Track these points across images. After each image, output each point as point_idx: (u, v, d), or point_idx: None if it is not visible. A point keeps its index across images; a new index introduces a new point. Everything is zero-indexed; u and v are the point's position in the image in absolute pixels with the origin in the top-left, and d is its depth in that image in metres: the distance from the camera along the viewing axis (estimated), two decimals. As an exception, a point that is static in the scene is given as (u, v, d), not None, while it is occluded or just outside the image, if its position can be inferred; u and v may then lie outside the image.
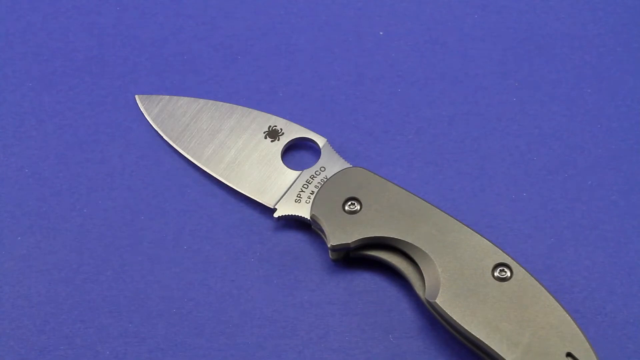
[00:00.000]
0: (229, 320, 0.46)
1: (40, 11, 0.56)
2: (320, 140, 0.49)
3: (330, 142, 0.50)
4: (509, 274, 0.43)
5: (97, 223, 0.49)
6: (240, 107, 0.51)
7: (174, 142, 0.50)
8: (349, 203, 0.46)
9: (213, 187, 0.50)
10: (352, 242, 0.45)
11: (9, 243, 0.49)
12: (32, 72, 0.54)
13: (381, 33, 0.55)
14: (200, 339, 0.46)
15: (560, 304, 0.42)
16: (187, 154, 0.50)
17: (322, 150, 0.49)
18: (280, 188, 0.48)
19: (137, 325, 0.46)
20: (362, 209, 0.46)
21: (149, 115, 0.51)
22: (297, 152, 0.51)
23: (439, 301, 0.43)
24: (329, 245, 0.46)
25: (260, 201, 0.48)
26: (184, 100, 0.51)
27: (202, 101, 0.51)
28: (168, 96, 0.52)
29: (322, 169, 0.48)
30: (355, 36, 0.55)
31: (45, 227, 0.49)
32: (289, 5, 0.56)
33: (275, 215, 0.48)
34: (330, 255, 0.47)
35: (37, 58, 0.55)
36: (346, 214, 0.46)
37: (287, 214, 0.47)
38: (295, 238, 0.48)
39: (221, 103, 0.51)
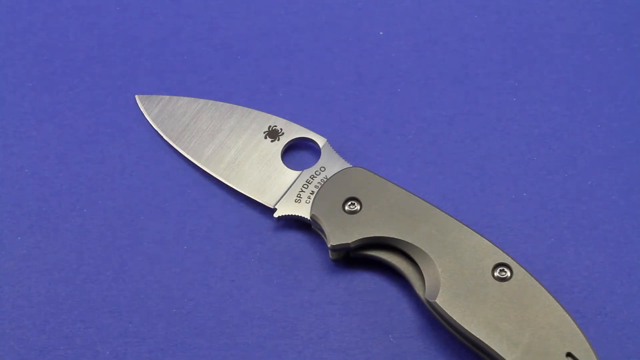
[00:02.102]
0: (229, 320, 0.46)
1: (40, 11, 0.56)
2: (320, 140, 0.49)
3: (330, 142, 0.50)
4: (509, 274, 0.43)
5: (97, 223, 0.49)
6: (240, 107, 0.51)
7: (174, 142, 0.50)
8: (349, 203, 0.46)
9: (213, 187, 0.50)
10: (352, 242, 0.45)
11: (9, 243, 0.49)
12: (32, 72, 0.54)
13: (381, 33, 0.55)
14: (200, 339, 0.46)
15: (560, 304, 0.42)
16: (187, 154, 0.50)
17: (322, 150, 0.49)
18: (280, 188, 0.48)
19: (137, 325, 0.46)
20: (362, 209, 0.46)
21: (149, 115, 0.51)
22: (297, 152, 0.51)
23: (439, 301, 0.43)
24: (329, 245, 0.46)
25: (260, 201, 0.48)
26: (184, 100, 0.51)
27: (202, 101, 0.51)
28: (168, 96, 0.52)
29: (322, 169, 0.48)
30: (355, 36, 0.55)
31: (45, 227, 0.49)
32: (289, 5, 0.56)
33: (275, 215, 0.48)
34: (330, 255, 0.47)
35: (37, 58, 0.55)
36: (346, 214, 0.46)
37: (287, 214, 0.47)
38: (295, 238, 0.48)
39: (221, 103, 0.51)
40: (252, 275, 0.47)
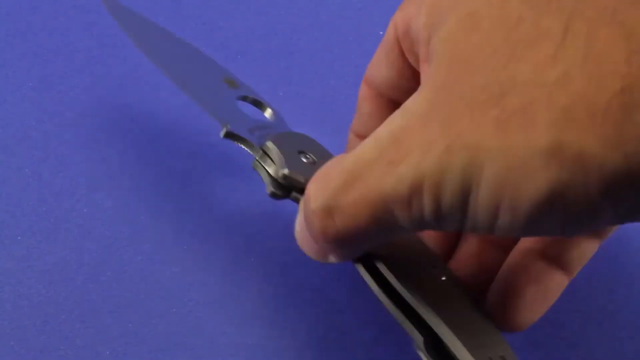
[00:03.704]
0: (228, 320, 0.46)
1: (40, 11, 0.56)
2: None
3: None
4: None
5: (97, 223, 0.49)
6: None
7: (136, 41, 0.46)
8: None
9: (213, 187, 0.50)
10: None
11: (9, 243, 0.49)
12: (32, 72, 0.54)
13: (381, 33, 0.55)
14: (200, 339, 0.46)
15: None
16: (148, 56, 0.45)
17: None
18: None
19: (137, 326, 0.46)
20: None
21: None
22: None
23: None
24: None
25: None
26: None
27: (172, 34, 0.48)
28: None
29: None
30: (355, 36, 0.55)
31: (45, 227, 0.49)
32: (289, 5, 0.56)
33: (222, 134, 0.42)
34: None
35: (37, 58, 0.55)
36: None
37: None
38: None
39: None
40: (252, 275, 0.47)
